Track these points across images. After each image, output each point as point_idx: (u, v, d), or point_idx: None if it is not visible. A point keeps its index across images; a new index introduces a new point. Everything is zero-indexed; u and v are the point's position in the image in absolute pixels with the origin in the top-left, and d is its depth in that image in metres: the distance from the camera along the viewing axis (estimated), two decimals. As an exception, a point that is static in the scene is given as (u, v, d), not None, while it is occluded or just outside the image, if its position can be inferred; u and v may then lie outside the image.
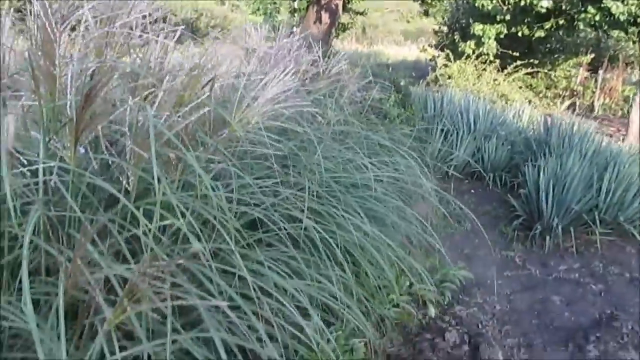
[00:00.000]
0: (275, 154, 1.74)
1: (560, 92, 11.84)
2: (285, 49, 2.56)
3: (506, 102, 9.21)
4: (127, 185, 1.15)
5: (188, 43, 1.84)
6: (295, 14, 10.88)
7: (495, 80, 9.58)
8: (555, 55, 12.06)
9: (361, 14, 11.56)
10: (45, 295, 0.95)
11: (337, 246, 1.73)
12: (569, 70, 11.72)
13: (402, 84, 5.24)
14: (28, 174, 1.10)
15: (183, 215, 1.14)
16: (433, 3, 12.54)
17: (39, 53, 1.20)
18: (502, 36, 9.58)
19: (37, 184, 1.08)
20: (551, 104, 11.39)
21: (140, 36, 1.42)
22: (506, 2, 8.72)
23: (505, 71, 9.86)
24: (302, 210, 1.69)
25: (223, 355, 1.01)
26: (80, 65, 1.13)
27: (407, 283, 2.66)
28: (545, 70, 11.39)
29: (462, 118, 6.32)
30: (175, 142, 1.09)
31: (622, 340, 2.92)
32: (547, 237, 4.15)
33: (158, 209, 1.06)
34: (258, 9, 9.65)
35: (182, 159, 1.21)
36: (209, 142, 1.33)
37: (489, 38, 9.39)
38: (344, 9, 10.16)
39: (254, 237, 1.58)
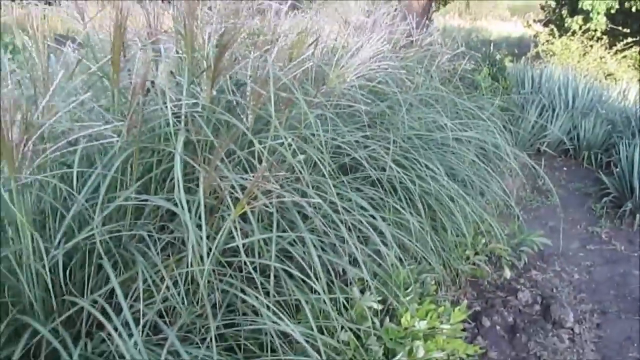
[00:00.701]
0: (366, 111, 2.00)
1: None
2: (381, 19, 2.78)
3: (614, 82, 8.78)
4: (246, 122, 1.46)
5: (295, 12, 2.13)
6: (396, -13, 10.92)
7: (602, 58, 9.14)
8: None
9: (463, -13, 11.33)
10: (190, 196, 1.28)
11: (415, 192, 1.97)
12: (691, 51, 10.84)
13: (497, 57, 5.26)
14: (175, 108, 1.43)
15: (289, 149, 1.44)
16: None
17: (184, 16, 1.54)
18: (613, 11, 9.09)
19: (180, 116, 1.42)
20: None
21: (260, 3, 1.73)
22: (620, -25, 8.28)
23: (614, 48, 9.35)
24: (386, 159, 1.94)
25: (313, 251, 1.30)
26: (216, 26, 1.45)
27: (483, 241, 2.82)
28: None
29: (560, 94, 6.22)
30: (289, 85, 1.38)
31: (702, 315, 2.93)
32: (638, 215, 4.11)
33: (270, 138, 1.37)
34: (359, -18, 9.83)
35: (289, 105, 1.50)
36: (312, 92, 1.61)
37: (598, 13, 8.96)
38: (446, -18, 10.06)
39: (344, 178, 1.86)
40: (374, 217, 1.78)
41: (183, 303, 1.21)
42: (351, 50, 1.91)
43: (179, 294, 1.20)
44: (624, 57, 9.88)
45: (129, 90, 1.45)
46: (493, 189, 2.68)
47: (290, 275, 1.43)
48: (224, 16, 1.50)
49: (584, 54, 9.44)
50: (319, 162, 1.50)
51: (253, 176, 1.24)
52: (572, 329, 2.76)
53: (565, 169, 5.60)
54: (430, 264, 2.06)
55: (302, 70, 1.50)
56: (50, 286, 1.17)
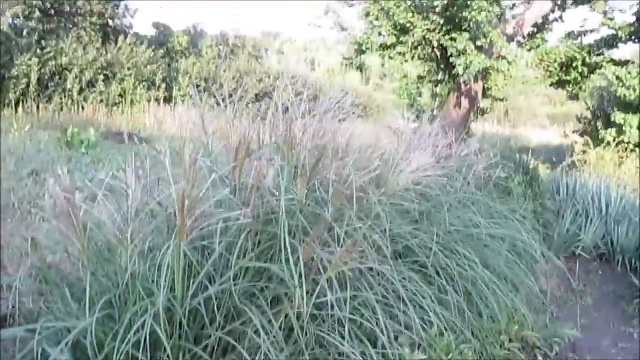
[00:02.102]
0: (415, 209, 2.51)
1: None
2: (426, 133, 3.35)
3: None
4: (327, 213, 1.99)
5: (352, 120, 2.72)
6: (437, 98, 11.78)
7: (637, 168, 9.53)
8: None
9: (501, 100, 12.11)
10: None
11: (455, 276, 2.42)
12: None
13: (530, 166, 5.76)
14: (276, 201, 1.97)
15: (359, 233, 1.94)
16: (577, 88, 12.54)
17: (284, 133, 2.13)
18: (645, 125, 9.60)
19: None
20: None
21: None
22: (650, 92, 8.85)
23: (649, 160, 9.76)
24: (431, 248, 2.42)
25: (379, 310, 1.76)
26: (308, 145, 2.02)
27: (516, 328, 3.17)
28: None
29: (594, 202, 6.59)
30: (365, 187, 1.91)
31: None
32: (668, 318, 4.35)
33: (344, 226, 1.88)
34: (403, 94, 10.68)
35: (360, 200, 2.03)
36: (375, 192, 2.14)
37: (631, 127, 9.47)
38: (484, 94, 10.82)
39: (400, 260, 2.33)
40: (421, 295, 2.23)
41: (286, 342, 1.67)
42: (404, 160, 2.46)
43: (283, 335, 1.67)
44: (661, 168, 10.24)
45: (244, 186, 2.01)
46: (523, 280, 3.08)
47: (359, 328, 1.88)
48: (313, 135, 2.08)
49: (620, 165, 9.86)
50: (382, 246, 2.00)
51: (336, 252, 1.74)
52: (600, 413, 3.01)
53: (600, 272, 5.86)
54: (465, 335, 2.45)
55: (372, 175, 2.04)
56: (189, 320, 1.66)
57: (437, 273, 2.48)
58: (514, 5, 9.36)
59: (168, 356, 1.49)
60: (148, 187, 2.15)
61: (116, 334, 1.50)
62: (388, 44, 9.78)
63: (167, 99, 16.09)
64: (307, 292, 1.69)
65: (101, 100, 14.26)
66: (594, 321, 4.48)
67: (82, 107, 13.84)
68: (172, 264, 1.63)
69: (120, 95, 14.66)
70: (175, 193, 1.65)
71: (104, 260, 1.86)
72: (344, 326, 1.79)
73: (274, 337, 1.66)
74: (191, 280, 1.68)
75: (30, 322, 1.69)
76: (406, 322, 2.12)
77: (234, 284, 1.77)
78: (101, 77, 14.11)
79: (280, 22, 66.27)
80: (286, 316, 1.76)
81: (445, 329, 2.30)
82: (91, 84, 14.10)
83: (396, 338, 2.16)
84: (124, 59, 14.85)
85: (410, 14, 9.07)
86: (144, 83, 15.17)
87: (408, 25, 9.18)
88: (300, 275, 1.68)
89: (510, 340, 3.24)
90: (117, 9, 17.06)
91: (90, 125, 11.90)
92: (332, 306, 1.78)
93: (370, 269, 1.94)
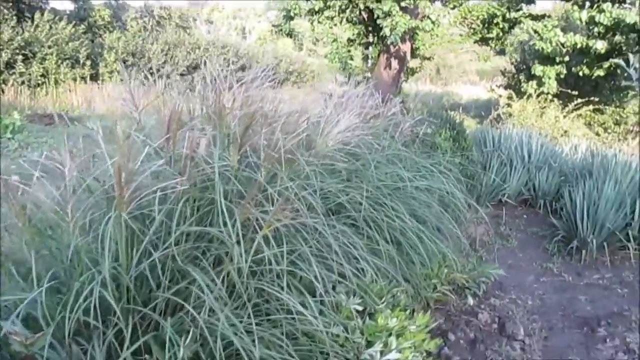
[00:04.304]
0: (345, 167, 2.66)
1: (631, 128, 12.05)
2: (354, 96, 3.50)
3: (568, 139, 9.70)
4: (261, 176, 2.11)
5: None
6: (368, 61, 11.96)
7: (556, 117, 10.13)
8: (623, 92, 12.30)
9: (428, 59, 12.43)
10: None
11: (384, 227, 2.61)
12: (640, 107, 11.92)
13: (456, 121, 6.05)
14: (210, 169, 2.07)
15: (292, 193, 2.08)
16: (500, 44, 13.00)
17: (214, 103, 2.21)
18: (562, 76, 10.16)
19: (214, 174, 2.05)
20: (622, 139, 11.61)
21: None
22: (564, 45, 9.35)
23: (567, 109, 10.38)
24: (361, 204, 2.59)
25: (314, 264, 1.91)
26: (239, 112, 2.12)
27: (446, 271, 3.43)
28: (613, 108, 11.71)
29: (517, 152, 7.02)
30: (294, 150, 2.04)
31: (630, 325, 3.55)
32: (583, 252, 4.78)
33: (278, 186, 2.01)
34: (334, 58, 10.77)
35: (291, 163, 2.16)
36: (305, 154, 2.27)
37: (549, 78, 10.01)
38: (412, 54, 11.08)
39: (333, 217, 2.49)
40: (354, 246, 2.41)
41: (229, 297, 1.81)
42: (331, 122, 2.60)
43: (227, 292, 1.80)
44: (580, 115, 10.92)
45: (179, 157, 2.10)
46: (451, 228, 3.33)
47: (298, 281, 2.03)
48: (242, 104, 2.18)
49: (541, 115, 10.43)
50: (313, 203, 2.15)
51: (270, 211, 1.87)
52: (523, 341, 3.34)
53: (525, 216, 6.30)
54: (398, 281, 2.67)
55: (300, 138, 2.16)
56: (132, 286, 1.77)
57: (368, 226, 2.67)
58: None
59: (119, 318, 1.59)
60: (83, 165, 2.19)
61: (66, 304, 1.59)
62: (316, 9, 9.83)
63: (94, 77, 15.49)
64: (245, 250, 1.82)
65: (23, 82, 13.57)
66: (519, 260, 4.87)
67: (3, 91, 13.14)
68: (114, 235, 1.72)
69: (42, 75, 13.97)
70: (112, 167, 1.72)
71: (45, 237, 1.92)
72: (282, 279, 1.93)
73: (219, 293, 1.79)
74: (135, 248, 1.78)
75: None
76: (341, 272, 2.29)
77: (177, 249, 1.87)
78: (20, 57, 13.40)
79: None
80: (228, 274, 1.88)
81: (378, 276, 2.50)
82: (10, 65, 13.37)
83: (334, 287, 2.34)
84: (43, 37, 14.11)
85: (335, -22, 9.14)
86: (67, 61, 14.49)
87: (334, -11, 9.26)
88: (237, 235, 1.81)
89: (442, 284, 3.51)
90: (30, -16, 16.05)
91: (13, 109, 11.35)
92: (269, 261, 1.92)
93: (304, 225, 2.09)
